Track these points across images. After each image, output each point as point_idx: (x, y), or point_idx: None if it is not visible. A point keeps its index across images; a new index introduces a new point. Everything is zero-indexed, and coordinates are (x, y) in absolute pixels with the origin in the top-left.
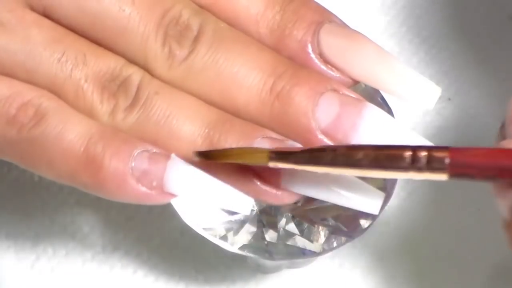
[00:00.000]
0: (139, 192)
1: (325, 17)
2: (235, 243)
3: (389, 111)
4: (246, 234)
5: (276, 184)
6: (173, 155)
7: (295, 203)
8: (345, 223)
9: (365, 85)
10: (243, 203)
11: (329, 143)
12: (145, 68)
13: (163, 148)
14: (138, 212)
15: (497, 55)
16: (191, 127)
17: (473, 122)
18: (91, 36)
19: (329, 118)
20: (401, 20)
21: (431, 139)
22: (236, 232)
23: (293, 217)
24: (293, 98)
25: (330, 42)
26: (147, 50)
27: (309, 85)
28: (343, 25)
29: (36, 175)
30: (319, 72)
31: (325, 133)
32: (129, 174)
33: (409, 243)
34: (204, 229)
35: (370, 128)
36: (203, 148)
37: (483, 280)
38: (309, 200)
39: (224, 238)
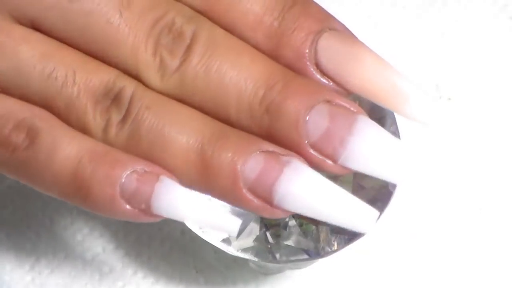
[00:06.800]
0: (129, 213)
1: (325, 25)
2: (238, 246)
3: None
4: (248, 237)
5: (269, 201)
6: (162, 176)
7: None
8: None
9: None
10: (231, 225)
11: (320, 157)
12: (138, 79)
13: (156, 163)
14: None
15: (498, 55)
16: (184, 142)
17: (473, 122)
18: (82, 48)
19: (318, 132)
20: (401, 20)
21: (431, 139)
22: (239, 235)
23: (296, 219)
24: (283, 112)
25: (327, 53)
26: (138, 61)
27: (300, 98)
28: (343, 34)
29: None
30: (314, 82)
31: (315, 148)
32: (118, 197)
33: (411, 243)
34: (206, 232)
35: (361, 145)
36: (197, 163)
37: (483, 280)
38: None
39: (226, 241)
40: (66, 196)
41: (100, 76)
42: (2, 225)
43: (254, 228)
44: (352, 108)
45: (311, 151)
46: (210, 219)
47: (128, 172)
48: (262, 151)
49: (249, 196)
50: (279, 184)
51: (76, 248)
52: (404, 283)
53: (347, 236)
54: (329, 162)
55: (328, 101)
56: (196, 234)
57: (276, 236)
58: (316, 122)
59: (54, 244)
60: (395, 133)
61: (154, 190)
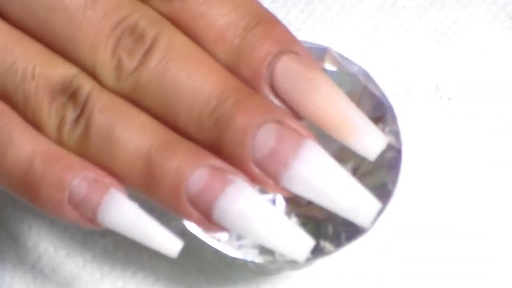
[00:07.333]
0: (75, 219)
1: (286, 48)
2: (237, 246)
3: (389, 107)
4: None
5: (208, 216)
6: (112, 188)
7: (300, 202)
8: (350, 222)
9: (357, 70)
10: (171, 246)
11: (262, 176)
12: (94, 77)
13: (104, 166)
14: None
15: (498, 55)
16: (131, 148)
17: (473, 122)
18: (44, 41)
19: (263, 151)
20: (401, 20)
21: (430, 139)
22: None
23: (298, 217)
24: (231, 126)
25: (284, 76)
26: (95, 59)
27: (250, 114)
28: (303, 60)
29: None
30: (268, 101)
31: (258, 166)
32: (65, 202)
33: (410, 243)
34: (205, 233)
35: (304, 170)
36: (142, 170)
37: (485, 280)
38: None
39: (227, 242)
40: (15, 192)
41: (59, 72)
42: (4, 224)
43: None
44: (302, 132)
45: (254, 168)
46: (152, 237)
47: (79, 179)
48: (209, 166)
49: (189, 208)
50: (219, 201)
51: (77, 248)
52: (403, 283)
53: (347, 235)
54: (271, 182)
55: (279, 122)
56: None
57: None
58: (263, 140)
59: (55, 243)
60: (397, 132)
61: (102, 201)
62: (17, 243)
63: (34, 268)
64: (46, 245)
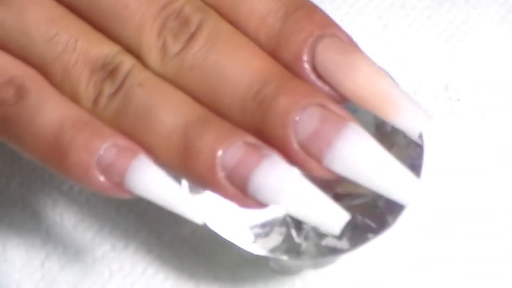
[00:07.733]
0: (101, 184)
1: (327, 31)
2: (262, 245)
3: None
4: (275, 236)
5: (243, 190)
6: (140, 154)
7: None
8: (372, 220)
9: None
10: (194, 213)
11: (305, 157)
12: (139, 58)
13: (139, 140)
14: (149, 210)
15: (507, 56)
16: (169, 122)
17: (483, 123)
18: (89, 19)
19: (306, 132)
20: (410, 21)
21: (439, 140)
22: (266, 235)
23: None
24: (274, 108)
25: (325, 58)
26: (141, 39)
27: (293, 97)
28: (344, 42)
29: (46, 173)
30: (310, 86)
31: (302, 147)
32: (93, 166)
33: (428, 246)
34: (232, 235)
35: (347, 150)
36: (178, 145)
37: (486, 279)
38: (335, 197)
39: (253, 242)
40: (42, 158)
41: (101, 49)
42: (12, 222)
43: (280, 227)
44: (344, 116)
45: (297, 149)
46: (179, 203)
47: (108, 144)
48: (244, 142)
49: (224, 183)
50: (254, 175)
51: (86, 246)
52: (420, 283)
53: (371, 231)
54: (314, 162)
55: (322, 106)
56: (207, 231)
57: (302, 233)
58: (305, 122)
59: (64, 241)
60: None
61: (130, 165)
62: (26, 240)
63: (43, 266)
64: (55, 243)
